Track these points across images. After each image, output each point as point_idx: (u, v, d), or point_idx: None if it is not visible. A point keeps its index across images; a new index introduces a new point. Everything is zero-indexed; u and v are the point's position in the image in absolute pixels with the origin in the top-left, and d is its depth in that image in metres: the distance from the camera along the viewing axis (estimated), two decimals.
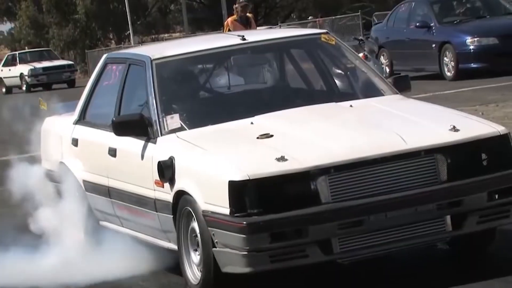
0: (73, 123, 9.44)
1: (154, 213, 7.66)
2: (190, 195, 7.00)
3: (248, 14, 21.51)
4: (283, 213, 6.41)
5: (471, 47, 24.00)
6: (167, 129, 7.54)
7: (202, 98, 9.03)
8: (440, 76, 23.81)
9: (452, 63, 24.14)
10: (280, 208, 6.41)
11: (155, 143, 7.61)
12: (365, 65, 8.88)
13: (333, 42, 9.09)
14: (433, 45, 24.86)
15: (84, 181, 9.01)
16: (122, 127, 7.71)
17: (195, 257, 7.14)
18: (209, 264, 6.82)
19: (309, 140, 7.09)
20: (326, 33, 9.20)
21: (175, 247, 7.55)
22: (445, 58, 24.32)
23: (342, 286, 7.39)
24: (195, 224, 7.05)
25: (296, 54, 9.12)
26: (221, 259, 6.75)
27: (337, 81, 8.86)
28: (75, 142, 9.26)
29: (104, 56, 9.50)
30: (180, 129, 7.58)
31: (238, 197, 6.42)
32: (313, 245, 6.43)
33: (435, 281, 7.10)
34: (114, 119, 7.91)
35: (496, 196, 6.79)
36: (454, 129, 6.98)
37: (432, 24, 25.39)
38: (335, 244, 6.46)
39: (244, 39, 8.65)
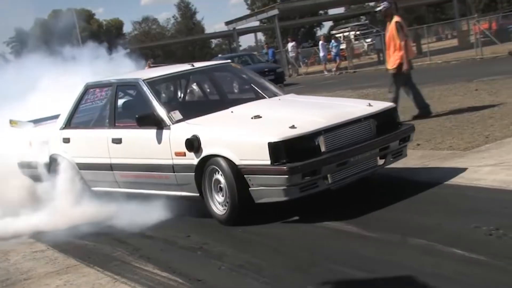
0: (60, 129, 7.30)
1: (171, 174, 5.87)
2: (221, 156, 5.38)
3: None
4: (308, 160, 5.09)
5: None
6: (175, 119, 5.90)
7: (186, 100, 7.44)
8: None
9: None
10: (297, 158, 5.06)
11: (169, 129, 5.86)
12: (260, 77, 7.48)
13: (239, 67, 8.01)
14: None
15: (77, 163, 6.96)
16: (143, 120, 5.98)
17: (219, 197, 5.57)
18: (234, 200, 5.34)
19: (290, 116, 5.64)
20: (232, 62, 7.94)
21: (187, 194, 5.88)
22: None
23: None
24: (219, 176, 5.47)
25: (221, 74, 7.67)
26: (256, 195, 5.28)
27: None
28: (66, 140, 7.14)
29: (85, 84, 7.32)
30: (183, 119, 5.93)
31: (274, 153, 5.03)
32: (321, 179, 5.21)
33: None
34: (137, 115, 6.03)
35: (399, 143, 5.79)
36: (370, 105, 5.89)
37: None
38: (329, 178, 5.25)
39: (193, 66, 7.08)
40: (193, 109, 6.54)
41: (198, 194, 5.74)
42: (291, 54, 31.55)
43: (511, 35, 23.79)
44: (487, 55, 20.70)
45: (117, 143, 6.39)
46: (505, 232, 4.18)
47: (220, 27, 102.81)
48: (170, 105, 6.51)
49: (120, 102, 6.94)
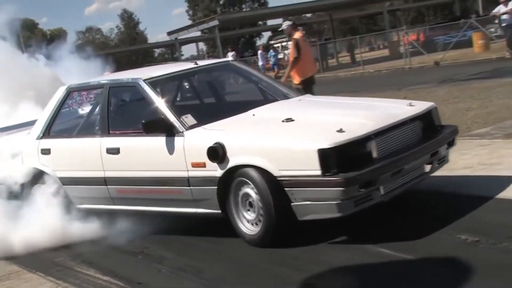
0: (36, 139, 6.06)
1: (186, 188, 4.81)
2: (252, 166, 4.41)
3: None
4: (365, 169, 4.17)
5: None
6: (188, 125, 4.87)
7: (197, 103, 6.28)
8: None
9: None
10: (348, 167, 4.13)
11: (182, 136, 4.80)
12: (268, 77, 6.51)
13: (242, 66, 6.69)
14: None
15: (60, 177, 5.79)
16: (150, 126, 4.89)
17: (248, 215, 4.62)
18: (270, 217, 4.38)
19: (330, 119, 4.66)
20: (233, 61, 6.84)
21: (204, 211, 4.86)
22: None
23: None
24: (248, 190, 4.53)
25: (222, 72, 6.74)
26: (300, 210, 4.31)
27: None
28: (46, 151, 5.93)
29: (66, 86, 6.11)
30: (198, 124, 4.90)
31: (325, 161, 4.10)
32: (376, 190, 4.30)
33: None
34: (143, 121, 4.88)
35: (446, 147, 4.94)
36: (411, 105, 5.00)
37: None
38: (381, 189, 4.33)
39: (196, 64, 6.01)
40: (205, 112, 5.61)
41: (219, 211, 4.78)
42: None
43: (437, 46, 24.45)
44: (415, 64, 21.24)
45: (113, 153, 5.32)
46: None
47: (163, 37, 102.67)
48: (179, 108, 5.41)
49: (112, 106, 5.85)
